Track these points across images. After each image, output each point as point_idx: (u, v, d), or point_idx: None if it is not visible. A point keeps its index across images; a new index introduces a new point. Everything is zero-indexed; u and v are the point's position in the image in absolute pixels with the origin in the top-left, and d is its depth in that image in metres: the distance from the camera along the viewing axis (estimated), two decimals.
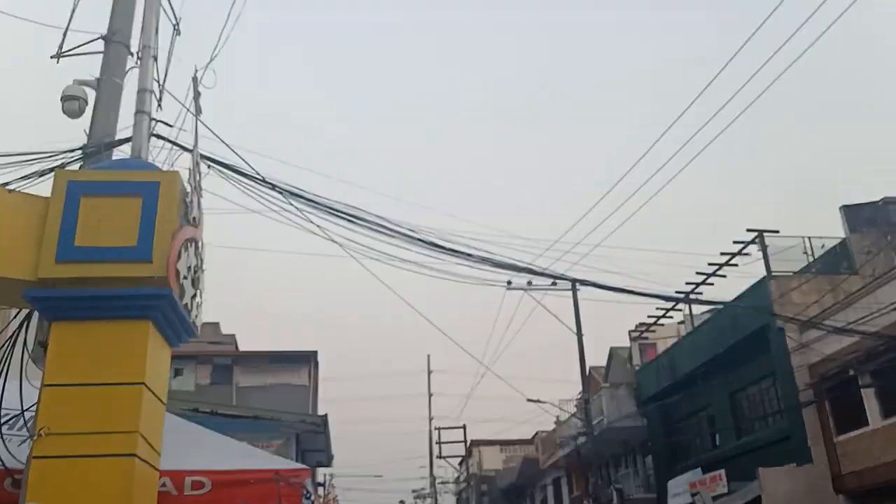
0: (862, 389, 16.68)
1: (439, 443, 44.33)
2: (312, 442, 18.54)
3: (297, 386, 27.59)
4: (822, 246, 20.71)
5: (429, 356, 45.71)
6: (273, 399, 23.25)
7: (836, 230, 20.66)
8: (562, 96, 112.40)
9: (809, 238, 20.77)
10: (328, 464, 23.91)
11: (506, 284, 17.14)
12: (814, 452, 17.66)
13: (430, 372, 45.11)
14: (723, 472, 20.14)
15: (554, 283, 19.66)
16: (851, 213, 19.70)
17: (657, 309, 25.61)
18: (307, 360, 28.96)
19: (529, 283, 19.35)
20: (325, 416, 18.46)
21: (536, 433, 39.27)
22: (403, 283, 13.02)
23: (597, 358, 32.97)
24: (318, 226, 10.02)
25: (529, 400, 24.49)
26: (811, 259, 20.72)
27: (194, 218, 4.76)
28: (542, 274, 16.33)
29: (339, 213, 10.00)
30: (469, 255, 12.45)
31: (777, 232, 20.62)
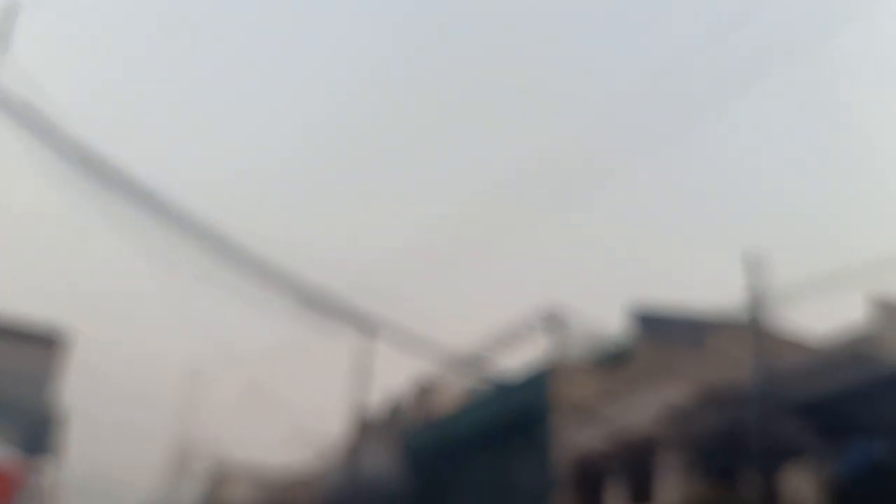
0: (610, 482, 17.68)
1: (188, 460, 41.83)
2: (45, 434, 16.85)
3: (39, 368, 24.34)
4: (604, 336, 21.90)
5: (195, 369, 42.38)
6: (9, 379, 20.47)
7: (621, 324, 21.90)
8: None
9: (593, 326, 21.85)
10: (58, 460, 21.58)
11: (298, 309, 16.68)
12: None
13: (192, 385, 41.99)
14: None
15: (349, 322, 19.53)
16: (638, 314, 21.03)
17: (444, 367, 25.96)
18: (56, 339, 25.68)
19: (324, 315, 18.99)
20: (64, 408, 16.90)
21: (296, 470, 38.29)
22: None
23: (377, 402, 32.65)
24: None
25: (295, 436, 23.63)
26: (592, 346, 21.85)
27: None
28: (337, 312, 16.13)
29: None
30: (268, 272, 12.02)
31: (568, 315, 21.51)
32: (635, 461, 16.94)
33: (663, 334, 19.98)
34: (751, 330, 14.51)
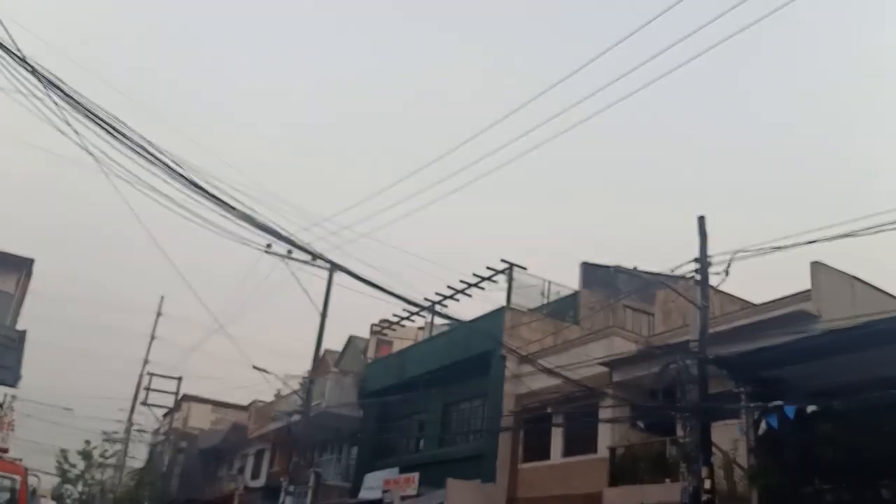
0: (552, 427, 18.32)
1: (148, 389, 42.23)
2: (4, 359, 16.93)
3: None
4: (558, 293, 22.51)
5: (162, 297, 43.49)
6: None
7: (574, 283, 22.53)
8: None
9: (549, 282, 22.49)
10: (13, 384, 21.68)
11: (264, 247, 16.87)
12: (499, 474, 19.16)
13: (159, 314, 42.87)
14: (417, 475, 21.17)
15: (313, 259, 19.63)
16: (587, 271, 21.56)
17: (403, 310, 26.52)
18: (19, 266, 25.52)
19: (290, 252, 19.19)
20: (24, 332, 16.95)
21: (253, 401, 38.77)
22: (154, 214, 12.37)
23: (336, 342, 33.60)
24: (75, 130, 9.30)
25: (256, 368, 24.04)
26: (546, 301, 22.44)
27: None
28: (302, 248, 16.25)
29: (100, 121, 9.35)
30: (232, 207, 12.12)
31: (525, 269, 22.11)
32: (578, 408, 17.56)
33: (613, 289, 20.50)
34: (696, 289, 14.92)
